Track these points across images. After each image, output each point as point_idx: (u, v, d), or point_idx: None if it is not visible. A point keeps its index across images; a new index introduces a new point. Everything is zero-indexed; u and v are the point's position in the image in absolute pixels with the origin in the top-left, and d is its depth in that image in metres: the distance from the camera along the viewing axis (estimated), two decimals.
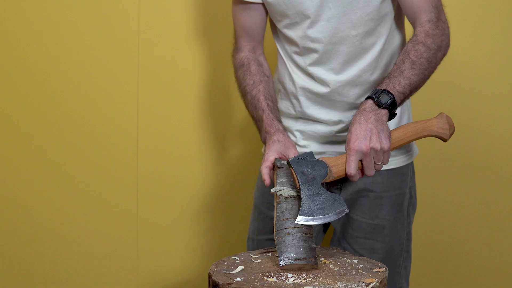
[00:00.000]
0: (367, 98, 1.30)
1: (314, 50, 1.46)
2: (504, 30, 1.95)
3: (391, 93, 1.29)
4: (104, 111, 2.03)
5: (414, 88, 1.35)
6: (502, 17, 1.95)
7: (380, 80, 1.39)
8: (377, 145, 1.23)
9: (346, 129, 1.50)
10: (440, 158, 2.01)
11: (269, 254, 1.30)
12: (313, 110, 1.50)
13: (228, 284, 1.11)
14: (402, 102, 1.33)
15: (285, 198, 1.27)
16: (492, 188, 2.01)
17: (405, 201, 1.53)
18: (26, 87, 2.03)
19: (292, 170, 1.24)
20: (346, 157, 1.24)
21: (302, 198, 1.21)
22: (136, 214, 2.06)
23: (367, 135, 1.23)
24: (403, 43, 1.52)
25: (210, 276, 1.17)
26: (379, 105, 1.27)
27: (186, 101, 2.03)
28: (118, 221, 2.07)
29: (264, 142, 1.45)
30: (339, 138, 1.51)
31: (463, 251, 2.03)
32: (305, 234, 1.22)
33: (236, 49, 1.60)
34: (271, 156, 1.37)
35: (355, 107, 1.48)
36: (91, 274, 2.10)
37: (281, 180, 1.30)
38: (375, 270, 1.20)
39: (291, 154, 1.38)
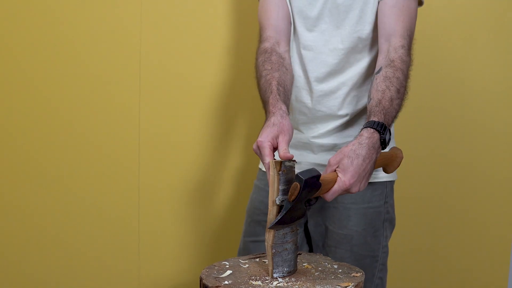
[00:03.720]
0: (374, 129, 1.31)
1: (305, 57, 1.56)
2: (499, 28, 2.00)
3: (390, 131, 1.34)
4: (106, 113, 2.05)
5: (396, 118, 1.42)
6: (497, 17, 2.00)
7: (374, 105, 1.38)
8: (361, 189, 1.29)
9: (322, 135, 1.58)
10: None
11: (257, 260, 1.41)
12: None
13: (217, 286, 1.22)
14: None
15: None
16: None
17: (377, 215, 1.60)
18: (27, 89, 2.05)
19: (299, 186, 1.18)
20: (335, 185, 1.25)
21: (284, 210, 1.21)
22: (138, 218, 2.10)
23: (362, 178, 1.27)
24: None
25: (201, 280, 1.28)
26: (382, 142, 1.32)
27: (189, 104, 2.04)
28: (120, 223, 2.09)
29: None
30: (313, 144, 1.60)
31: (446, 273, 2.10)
32: (295, 245, 1.31)
33: (261, 41, 1.59)
34: (266, 143, 1.29)
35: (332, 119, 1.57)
36: (92, 276, 2.12)
37: (282, 188, 1.23)
38: (352, 274, 1.31)
39: (280, 141, 1.31)
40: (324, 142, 1.59)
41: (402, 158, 1.46)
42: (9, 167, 2.08)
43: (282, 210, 1.22)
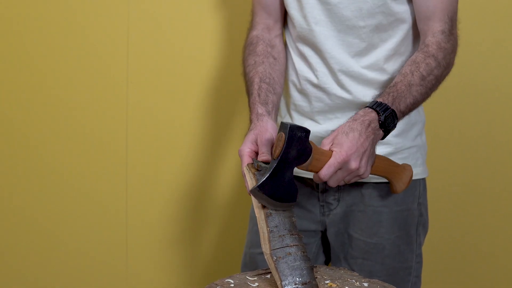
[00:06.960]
0: (372, 108, 1.19)
1: (316, 35, 1.34)
2: None
3: (397, 117, 1.21)
4: (92, 109, 1.99)
5: (415, 108, 1.28)
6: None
7: (388, 87, 1.26)
8: (362, 170, 1.15)
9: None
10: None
11: (268, 276, 1.18)
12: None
13: None
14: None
15: (276, 210, 1.13)
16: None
17: (411, 219, 1.40)
18: (13, 85, 2.00)
19: (284, 136, 1.08)
20: (331, 158, 1.13)
21: (269, 170, 1.09)
22: (126, 225, 2.03)
23: (361, 154, 1.15)
24: None
25: None
26: (381, 125, 1.19)
27: (181, 100, 1.97)
28: (107, 226, 2.03)
29: None
30: None
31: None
32: (303, 253, 1.11)
33: (250, 27, 1.48)
34: (245, 151, 1.20)
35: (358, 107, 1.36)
36: (78, 281, 2.06)
37: None
38: None
39: (260, 143, 1.21)
40: None
41: (412, 174, 1.33)
42: None
43: (267, 170, 1.08)
